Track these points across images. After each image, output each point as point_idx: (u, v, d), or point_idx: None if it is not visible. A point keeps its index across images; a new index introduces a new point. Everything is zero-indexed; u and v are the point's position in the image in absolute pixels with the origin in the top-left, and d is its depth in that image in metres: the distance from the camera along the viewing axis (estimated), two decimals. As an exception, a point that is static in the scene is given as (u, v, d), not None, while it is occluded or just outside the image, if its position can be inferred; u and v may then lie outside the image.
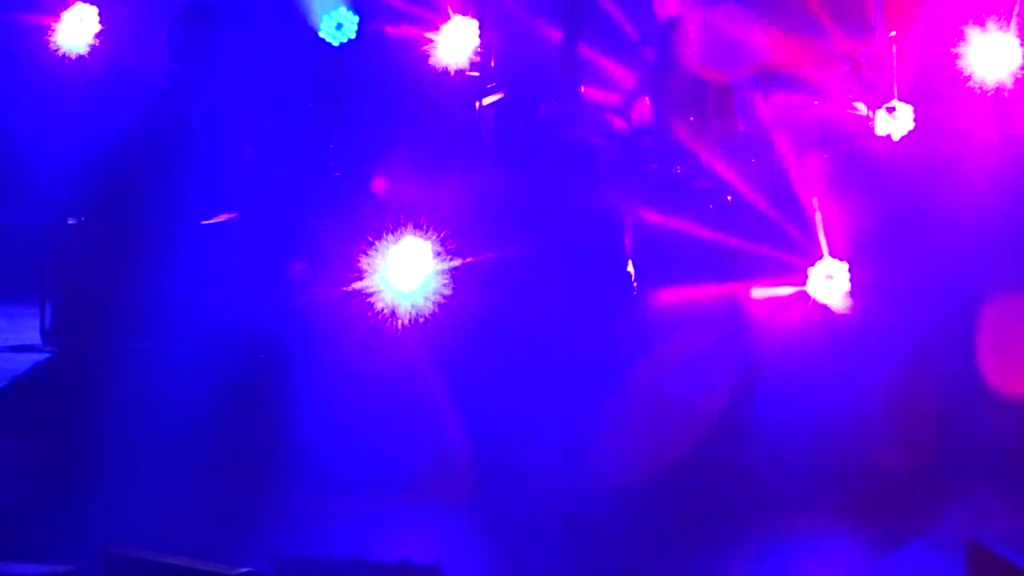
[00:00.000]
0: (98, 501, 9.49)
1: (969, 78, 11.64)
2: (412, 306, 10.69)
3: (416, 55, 11.96)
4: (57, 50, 11.85)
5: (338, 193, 11.13)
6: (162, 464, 9.91)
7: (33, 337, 11.56)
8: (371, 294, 10.78)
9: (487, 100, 12.21)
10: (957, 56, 11.76)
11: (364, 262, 10.80)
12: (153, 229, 10.84)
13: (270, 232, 10.90)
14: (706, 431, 10.15)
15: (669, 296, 10.78)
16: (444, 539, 9.17)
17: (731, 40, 12.40)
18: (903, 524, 9.32)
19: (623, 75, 12.47)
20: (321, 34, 12.01)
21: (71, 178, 11.45)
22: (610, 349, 10.37)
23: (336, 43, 12.01)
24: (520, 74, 12.44)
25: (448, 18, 12.09)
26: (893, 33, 12.00)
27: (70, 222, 11.43)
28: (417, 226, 10.90)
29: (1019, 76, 11.75)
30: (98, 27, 11.90)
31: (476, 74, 12.12)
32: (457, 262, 10.87)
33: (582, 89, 12.23)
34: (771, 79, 11.80)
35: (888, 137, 11.67)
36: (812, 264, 10.65)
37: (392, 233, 10.89)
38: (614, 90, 12.45)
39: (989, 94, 11.57)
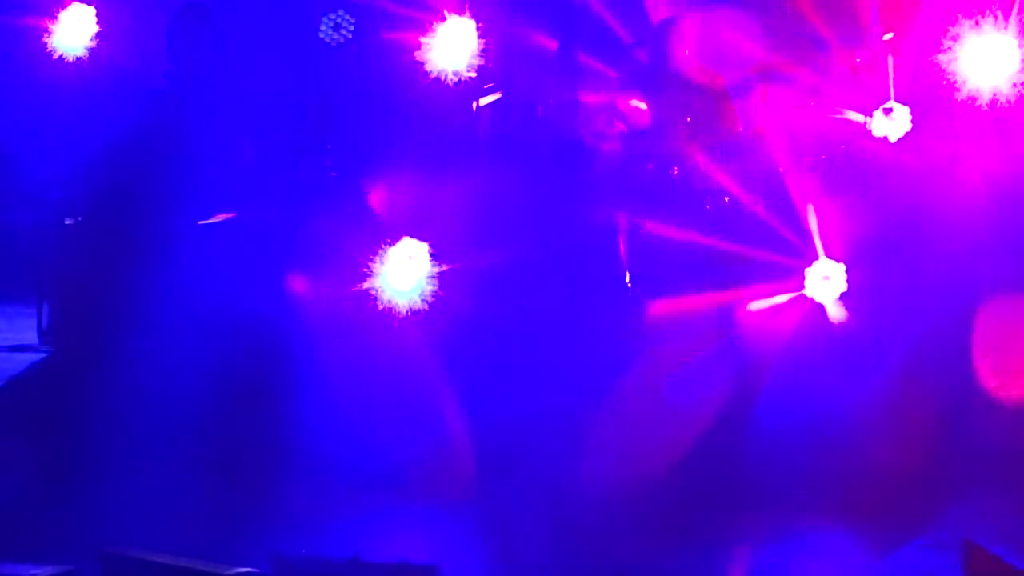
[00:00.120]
0: (96, 501, 9.49)
1: (967, 80, 11.66)
2: (409, 306, 10.71)
3: (412, 56, 11.94)
4: (54, 50, 11.83)
5: (335, 193, 11.12)
6: (160, 464, 9.91)
7: (31, 337, 11.56)
8: (369, 294, 10.80)
9: (484, 101, 12.20)
10: (955, 58, 11.77)
11: (361, 262, 10.81)
12: (150, 229, 10.84)
13: (267, 232, 10.90)
14: (704, 432, 10.16)
15: (666, 297, 10.79)
16: (442, 539, 9.18)
17: (726, 42, 12.40)
18: (900, 525, 9.34)
19: (619, 78, 12.47)
20: (320, 35, 12.00)
21: (68, 178, 11.45)
22: (607, 351, 10.37)
23: (333, 43, 12.01)
24: (517, 75, 12.44)
25: (444, 19, 12.09)
26: (890, 35, 12.00)
27: (67, 222, 11.43)
28: (414, 227, 10.91)
29: (1017, 78, 11.77)
30: (95, 28, 11.88)
31: (473, 74, 12.11)
32: (455, 264, 10.89)
33: (578, 92, 12.22)
34: (767, 81, 11.80)
35: (885, 139, 11.66)
36: (809, 267, 10.65)
37: (389, 233, 10.91)
38: (610, 93, 12.45)
39: (987, 96, 11.58)
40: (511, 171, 11.64)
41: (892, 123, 11.67)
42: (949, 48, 11.51)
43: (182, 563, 7.45)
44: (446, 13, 11.93)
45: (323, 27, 11.92)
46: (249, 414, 10.32)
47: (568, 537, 9.30)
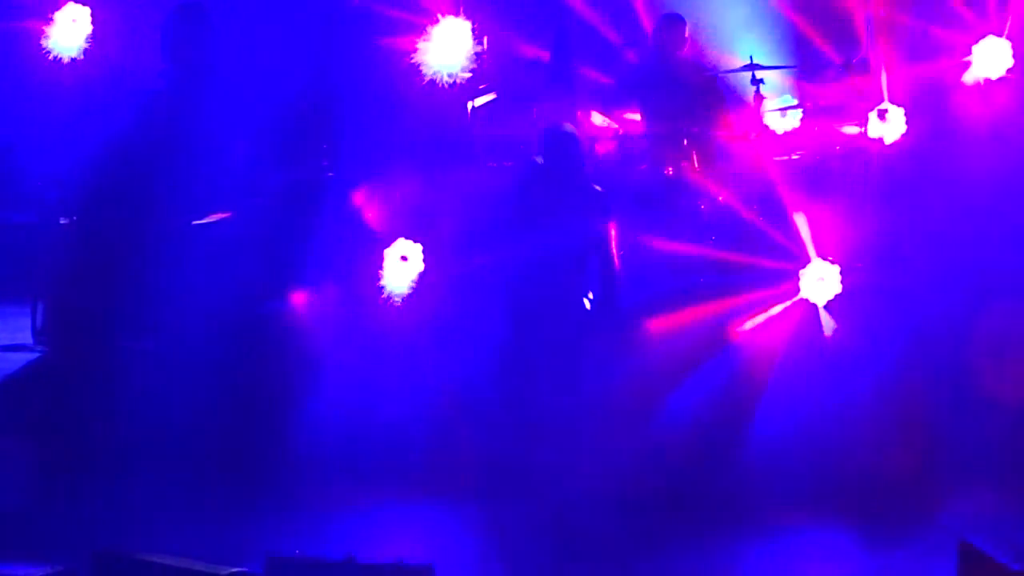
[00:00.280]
0: (90, 500, 9.49)
1: (962, 81, 11.69)
2: (404, 306, 10.72)
3: (407, 57, 11.95)
4: (49, 51, 11.82)
5: (330, 194, 11.12)
6: (153, 464, 9.91)
7: (25, 336, 11.54)
8: (364, 294, 10.80)
9: (479, 101, 12.21)
10: (949, 59, 11.80)
11: (356, 263, 10.82)
12: (145, 229, 10.83)
13: (262, 232, 10.89)
14: (701, 434, 10.16)
15: (661, 298, 10.80)
16: (437, 539, 9.18)
17: (722, 43, 12.42)
18: (895, 525, 9.35)
19: (612, 78, 12.48)
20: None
21: (63, 178, 11.44)
22: (604, 352, 10.37)
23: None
24: (511, 79, 12.44)
25: (438, 20, 12.09)
26: (884, 36, 12.02)
27: (62, 222, 11.42)
28: (408, 228, 10.92)
29: (1011, 79, 11.80)
30: (90, 28, 11.87)
31: (468, 75, 12.11)
32: (449, 264, 10.89)
33: (572, 97, 12.21)
34: (762, 81, 11.81)
35: (880, 140, 11.68)
36: (803, 269, 10.66)
37: (384, 234, 10.92)
38: (604, 93, 12.46)
39: (982, 97, 11.61)
40: (506, 172, 11.65)
41: (887, 124, 11.69)
42: (944, 49, 11.55)
43: (175, 563, 7.44)
44: (439, 16, 11.94)
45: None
46: (243, 414, 10.32)
47: (565, 537, 9.31)
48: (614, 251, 9.98)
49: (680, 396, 10.27)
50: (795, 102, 12.27)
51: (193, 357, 10.46)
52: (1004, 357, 10.47)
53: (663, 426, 10.18)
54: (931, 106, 11.82)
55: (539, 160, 10.36)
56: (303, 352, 10.60)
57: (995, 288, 10.88)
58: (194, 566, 7.42)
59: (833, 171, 11.74)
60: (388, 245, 10.94)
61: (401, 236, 10.94)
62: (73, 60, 11.82)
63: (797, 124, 12.22)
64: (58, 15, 11.85)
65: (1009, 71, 11.78)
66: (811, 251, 10.67)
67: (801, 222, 10.78)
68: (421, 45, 11.78)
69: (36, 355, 11.36)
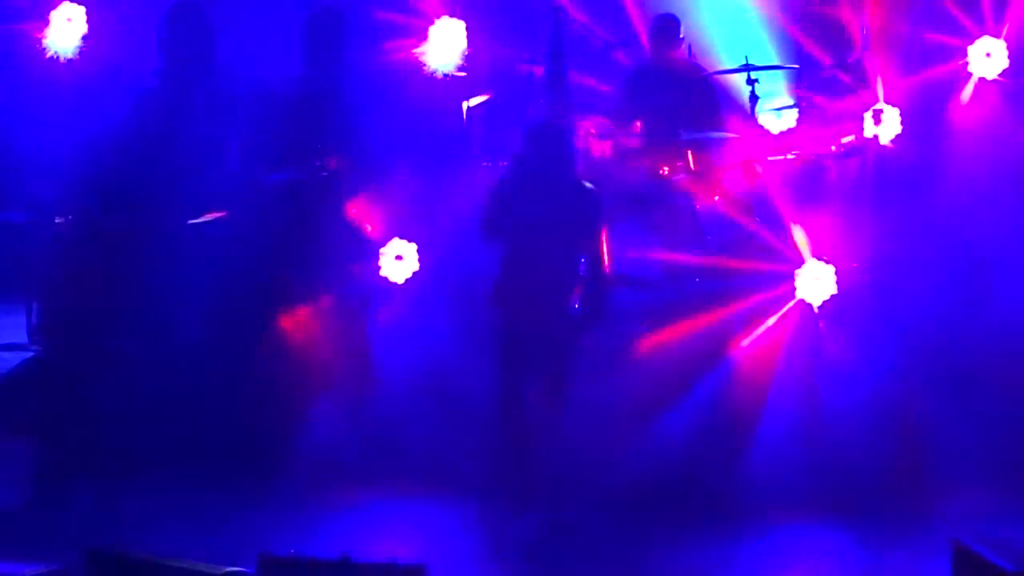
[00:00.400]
0: (83, 500, 9.49)
1: (958, 81, 11.71)
2: (398, 303, 10.73)
3: (404, 56, 11.96)
4: (45, 49, 11.82)
5: (325, 193, 11.12)
6: (146, 463, 9.91)
7: (20, 336, 11.54)
8: (358, 290, 10.81)
9: (474, 101, 12.21)
10: (945, 59, 11.82)
11: (352, 262, 10.82)
12: (140, 228, 10.83)
13: (257, 231, 10.89)
14: (698, 434, 10.16)
15: (658, 301, 10.81)
16: (431, 538, 9.18)
17: (718, 42, 12.43)
18: (890, 526, 9.36)
19: (608, 85, 12.48)
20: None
21: (58, 177, 11.43)
22: (598, 354, 10.37)
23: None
24: (507, 75, 12.45)
25: (433, 21, 12.10)
26: (880, 41, 12.03)
27: (57, 221, 11.41)
28: (404, 227, 10.92)
29: (1007, 79, 11.81)
30: (86, 27, 11.87)
31: (463, 75, 12.12)
32: (444, 263, 10.90)
33: (567, 104, 12.21)
34: (757, 81, 11.82)
35: (875, 140, 11.69)
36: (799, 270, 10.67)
37: (379, 233, 10.92)
38: (600, 94, 12.45)
39: (976, 98, 11.63)
40: (501, 171, 11.65)
41: (882, 125, 11.70)
42: (940, 50, 11.57)
43: (169, 562, 7.43)
44: (435, 18, 11.96)
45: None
46: (237, 414, 10.32)
47: (560, 537, 9.30)
48: (604, 251, 9.95)
49: (678, 397, 10.26)
50: (791, 102, 12.29)
51: (186, 356, 10.46)
52: (999, 357, 10.49)
53: (660, 426, 10.18)
54: (926, 107, 11.84)
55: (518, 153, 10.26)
56: (299, 352, 10.60)
57: (990, 288, 10.90)
58: (188, 566, 7.40)
59: (828, 171, 11.74)
60: (383, 244, 10.94)
61: (396, 236, 10.94)
62: (68, 59, 11.82)
63: (792, 124, 12.25)
64: (53, 14, 11.85)
65: (1003, 73, 11.82)
66: (806, 252, 10.67)
67: (796, 223, 10.78)
68: (417, 47, 11.81)
69: (31, 354, 11.36)
